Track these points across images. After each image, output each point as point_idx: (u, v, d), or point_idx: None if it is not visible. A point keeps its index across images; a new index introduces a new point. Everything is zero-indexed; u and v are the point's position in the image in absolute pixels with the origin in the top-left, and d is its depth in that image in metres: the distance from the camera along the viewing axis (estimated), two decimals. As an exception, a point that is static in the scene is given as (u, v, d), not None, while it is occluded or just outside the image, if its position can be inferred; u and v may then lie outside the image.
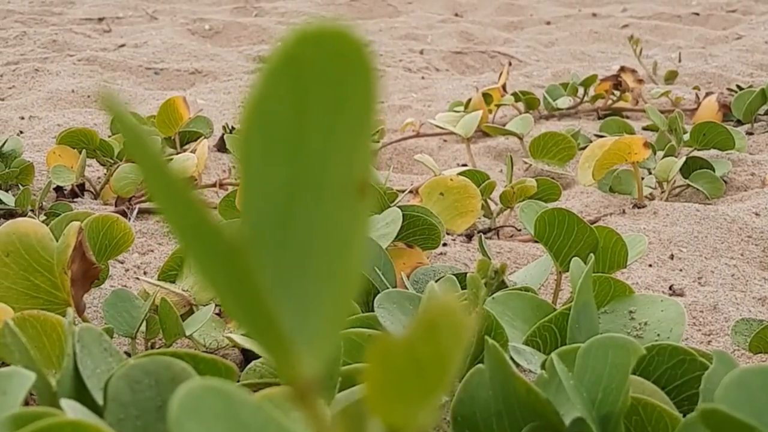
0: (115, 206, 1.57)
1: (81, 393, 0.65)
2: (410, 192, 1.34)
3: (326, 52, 0.27)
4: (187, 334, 0.90)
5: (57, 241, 0.93)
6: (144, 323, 0.93)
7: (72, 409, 0.60)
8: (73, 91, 2.45)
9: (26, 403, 0.78)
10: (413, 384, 0.29)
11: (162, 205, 0.28)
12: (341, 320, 0.31)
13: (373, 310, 0.79)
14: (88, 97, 2.44)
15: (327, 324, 0.30)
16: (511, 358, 0.69)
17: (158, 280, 1.04)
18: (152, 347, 0.97)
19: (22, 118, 2.21)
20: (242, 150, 0.29)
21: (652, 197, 1.66)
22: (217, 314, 0.98)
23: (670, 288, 1.21)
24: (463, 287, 0.83)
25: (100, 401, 0.64)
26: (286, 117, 0.29)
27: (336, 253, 0.30)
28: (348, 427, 0.30)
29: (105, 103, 0.27)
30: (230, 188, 1.61)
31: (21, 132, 2.10)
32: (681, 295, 1.19)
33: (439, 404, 0.30)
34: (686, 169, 1.70)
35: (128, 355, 0.92)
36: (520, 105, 2.30)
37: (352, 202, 0.29)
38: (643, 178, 1.62)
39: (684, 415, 0.64)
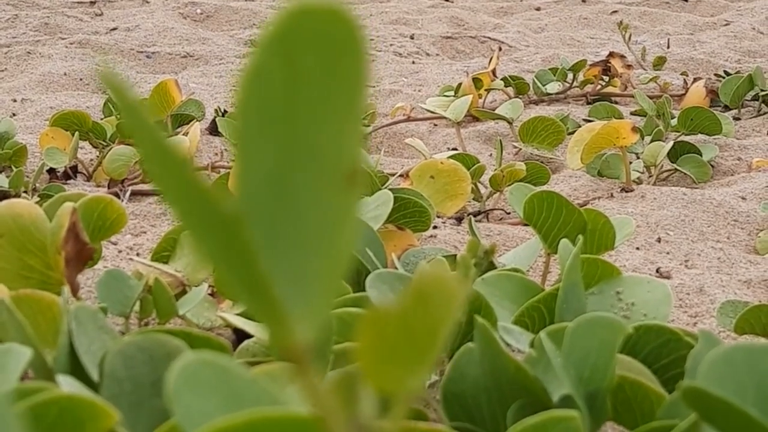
0: (108, 188, 1.57)
1: (77, 369, 0.66)
2: (401, 175, 1.35)
3: (317, 30, 0.28)
4: (181, 313, 0.91)
5: (51, 221, 0.94)
6: (138, 303, 0.94)
7: (68, 385, 0.61)
8: (65, 74, 2.46)
9: (22, 381, 0.79)
10: (405, 351, 0.30)
11: (159, 178, 0.29)
12: (332, 292, 0.32)
13: (364, 291, 0.80)
14: (81, 80, 2.44)
15: (318, 294, 0.31)
16: (501, 338, 0.71)
17: (151, 261, 1.05)
18: (146, 326, 0.97)
19: (15, 101, 2.22)
20: (236, 125, 0.30)
21: (639, 181, 1.67)
22: (210, 294, 0.99)
23: (657, 270, 1.22)
24: (453, 269, 0.84)
25: (95, 377, 0.65)
26: (277, 94, 0.29)
27: (326, 230, 0.31)
28: (341, 395, 0.31)
29: (105, 81, 0.28)
30: (222, 171, 1.62)
31: (14, 114, 2.11)
32: (668, 277, 1.20)
33: (430, 370, 0.31)
34: (674, 154, 1.71)
35: (122, 334, 0.93)
36: (510, 90, 2.31)
37: (341, 186, 0.30)
38: (631, 163, 1.63)
39: (670, 393, 0.65)
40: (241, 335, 0.95)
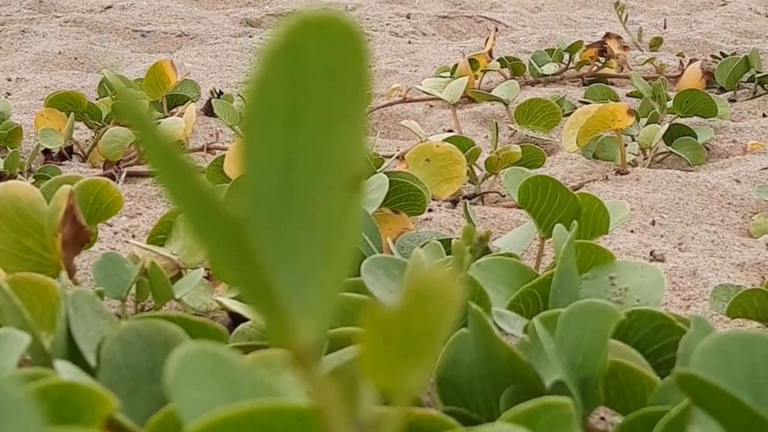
0: (103, 169, 1.58)
1: (74, 355, 0.66)
2: (397, 158, 1.35)
3: (321, 39, 0.29)
4: (177, 296, 0.92)
5: (48, 204, 0.94)
6: (134, 286, 0.95)
7: (66, 371, 0.61)
8: (60, 53, 2.45)
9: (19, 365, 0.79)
10: (404, 351, 0.31)
11: (163, 178, 0.30)
12: (336, 291, 0.33)
13: (359, 275, 0.81)
14: (75, 59, 2.44)
15: (323, 294, 0.32)
16: (495, 323, 0.71)
17: (147, 243, 1.05)
18: (142, 310, 0.98)
19: (9, 80, 2.22)
20: (245, 129, 0.30)
21: (634, 164, 1.67)
22: (205, 278, 0.99)
23: (651, 254, 1.23)
24: (449, 253, 0.85)
25: (92, 363, 0.65)
26: (283, 101, 0.30)
27: (330, 231, 0.31)
28: (341, 389, 0.32)
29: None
30: (218, 152, 1.62)
31: (8, 94, 2.11)
32: (661, 260, 1.21)
33: (429, 369, 0.32)
34: (669, 136, 1.72)
35: (119, 317, 0.93)
36: (506, 71, 2.31)
37: (345, 190, 0.31)
38: (626, 145, 1.64)
39: (662, 378, 0.66)
40: (237, 318, 0.95)
